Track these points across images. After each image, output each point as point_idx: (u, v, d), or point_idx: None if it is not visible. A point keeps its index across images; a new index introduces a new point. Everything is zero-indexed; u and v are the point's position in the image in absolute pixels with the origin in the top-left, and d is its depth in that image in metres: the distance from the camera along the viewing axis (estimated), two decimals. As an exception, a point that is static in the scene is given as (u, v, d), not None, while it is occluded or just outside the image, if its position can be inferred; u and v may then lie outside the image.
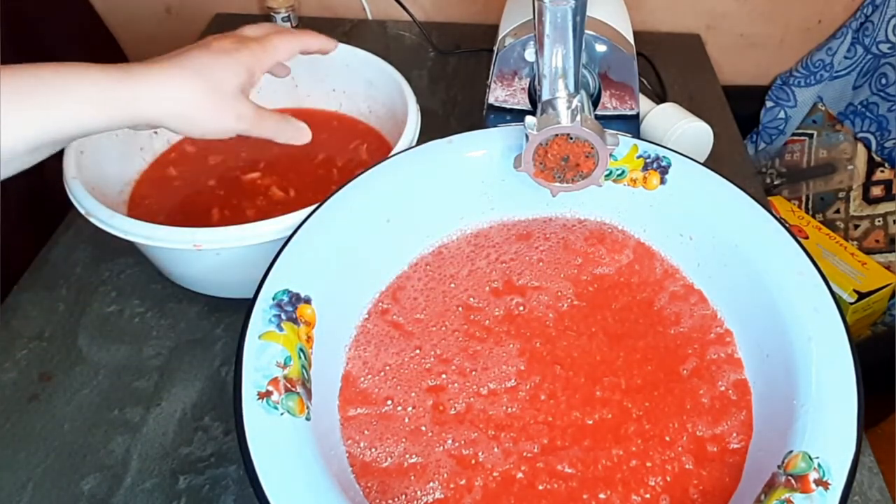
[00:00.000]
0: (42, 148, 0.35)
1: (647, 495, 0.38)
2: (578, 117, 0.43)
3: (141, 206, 0.58)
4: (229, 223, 0.46)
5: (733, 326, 0.45)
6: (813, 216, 0.93)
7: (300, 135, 0.46)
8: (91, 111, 0.35)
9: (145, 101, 0.37)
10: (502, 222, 0.52)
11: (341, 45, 0.66)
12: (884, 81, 0.88)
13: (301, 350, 0.38)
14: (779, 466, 0.34)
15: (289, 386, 0.36)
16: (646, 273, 0.49)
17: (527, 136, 0.43)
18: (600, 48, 0.56)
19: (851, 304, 0.82)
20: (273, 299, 0.39)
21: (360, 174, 0.47)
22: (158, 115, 0.38)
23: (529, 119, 0.43)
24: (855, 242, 0.91)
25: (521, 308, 0.47)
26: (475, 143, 0.50)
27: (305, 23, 0.91)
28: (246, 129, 0.42)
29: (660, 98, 0.77)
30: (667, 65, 0.85)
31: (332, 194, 0.46)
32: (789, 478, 0.33)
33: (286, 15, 0.87)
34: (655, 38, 0.91)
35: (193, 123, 0.39)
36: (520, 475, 0.39)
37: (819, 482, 0.32)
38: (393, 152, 0.51)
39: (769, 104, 0.96)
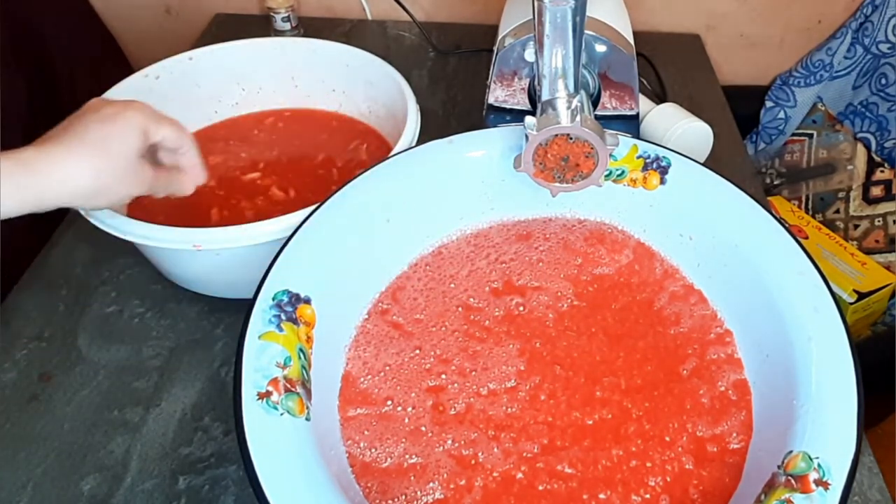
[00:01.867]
0: None
1: (647, 495, 0.38)
2: (578, 117, 0.43)
3: (141, 206, 0.58)
4: (229, 223, 0.46)
5: (733, 326, 0.45)
6: (813, 216, 0.93)
7: (181, 185, 0.46)
8: (4, 199, 0.36)
9: (54, 187, 0.38)
10: (502, 222, 0.52)
11: (341, 45, 0.66)
12: (884, 81, 0.88)
13: (301, 350, 0.38)
14: (779, 466, 0.34)
15: (289, 386, 0.36)
16: (646, 273, 0.49)
17: (527, 136, 0.43)
18: (600, 48, 0.56)
19: (851, 304, 0.82)
20: (273, 299, 0.39)
21: (360, 174, 0.47)
22: (68, 197, 0.38)
23: (529, 119, 0.43)
24: (855, 242, 0.91)
25: (521, 308, 0.47)
26: (475, 143, 0.50)
27: (305, 23, 0.92)
28: (146, 191, 0.43)
29: (660, 98, 0.77)
30: (667, 65, 0.85)
31: (332, 194, 0.46)
32: (789, 478, 0.33)
33: (286, 15, 0.87)
34: (655, 38, 0.91)
35: (100, 196, 0.40)
36: (520, 475, 0.39)
37: (819, 482, 0.32)
38: (393, 152, 0.51)
39: (769, 104, 0.96)
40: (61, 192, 0.38)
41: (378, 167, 0.48)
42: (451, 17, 0.95)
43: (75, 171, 0.38)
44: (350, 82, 0.67)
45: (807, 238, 0.89)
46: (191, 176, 0.47)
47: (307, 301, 0.40)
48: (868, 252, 0.89)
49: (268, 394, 0.35)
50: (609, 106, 0.60)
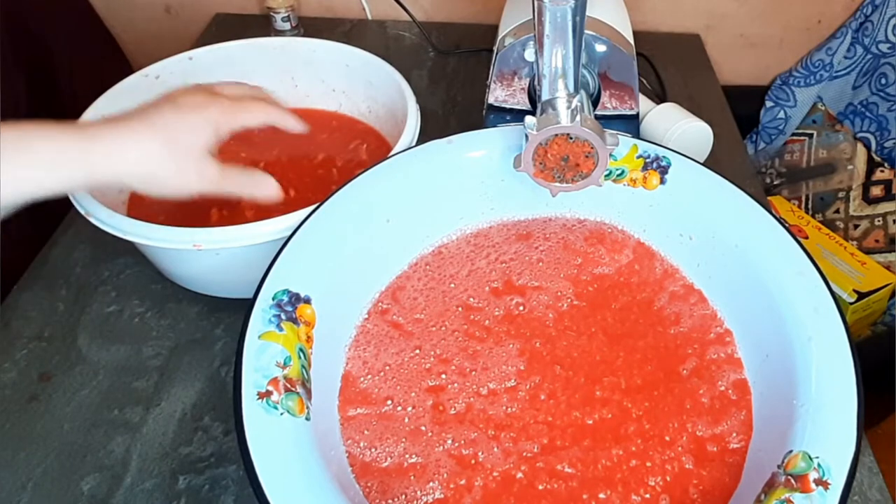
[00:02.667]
0: None
1: (647, 495, 0.38)
2: (578, 117, 0.43)
3: (141, 206, 0.58)
4: (228, 223, 0.46)
5: (733, 326, 0.45)
6: (813, 216, 0.93)
7: (265, 188, 0.45)
8: (46, 173, 0.35)
9: (105, 160, 0.36)
10: (502, 222, 0.52)
11: (341, 45, 0.66)
12: (883, 81, 0.88)
13: (301, 350, 0.38)
14: (779, 466, 0.34)
15: (289, 386, 0.36)
16: (646, 273, 0.49)
17: (527, 136, 0.43)
18: (600, 48, 0.56)
19: (851, 304, 0.82)
20: (273, 299, 0.39)
21: (360, 174, 0.47)
22: (118, 174, 0.37)
23: (529, 119, 0.43)
24: (855, 242, 0.91)
25: (521, 308, 0.47)
26: (475, 143, 0.50)
27: (305, 23, 0.91)
28: (208, 188, 0.41)
29: (660, 98, 0.77)
30: (667, 65, 0.85)
31: (332, 194, 0.46)
32: (789, 477, 0.33)
33: (286, 15, 0.87)
34: (655, 38, 0.91)
35: (154, 183, 0.39)
36: (520, 475, 0.39)
37: (819, 482, 0.32)
38: (393, 152, 0.51)
39: (769, 104, 0.96)
40: (115, 168, 0.37)
41: (378, 167, 0.48)
42: (451, 17, 0.95)
43: (134, 149, 0.38)
44: (350, 82, 0.67)
45: (807, 238, 0.89)
46: (266, 183, 0.45)
47: (307, 301, 0.40)
48: (868, 252, 0.89)
49: (268, 394, 0.35)
50: (609, 106, 0.60)
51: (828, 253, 0.87)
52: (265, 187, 0.45)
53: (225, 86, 0.46)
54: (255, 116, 0.43)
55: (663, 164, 0.49)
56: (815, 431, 0.35)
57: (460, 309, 0.47)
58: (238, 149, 0.65)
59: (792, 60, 0.95)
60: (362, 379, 0.43)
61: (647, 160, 0.49)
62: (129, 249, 0.57)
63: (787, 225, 0.44)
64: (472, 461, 0.39)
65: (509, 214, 0.52)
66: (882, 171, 0.92)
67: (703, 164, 0.49)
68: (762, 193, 0.74)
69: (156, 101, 0.41)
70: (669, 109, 0.66)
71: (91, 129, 0.37)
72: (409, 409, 0.42)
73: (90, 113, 0.56)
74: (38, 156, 0.35)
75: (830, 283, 0.41)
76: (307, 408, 0.36)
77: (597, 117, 0.57)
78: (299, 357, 0.37)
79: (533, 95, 0.60)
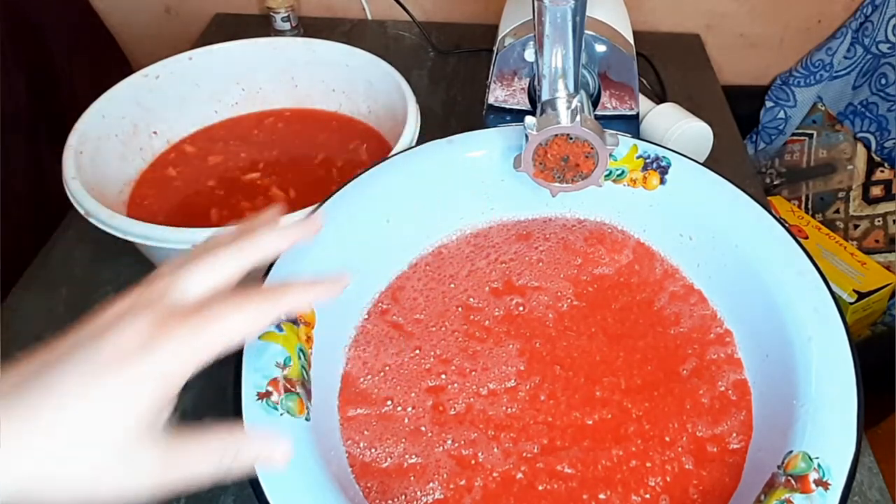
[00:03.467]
0: None
1: (647, 495, 0.38)
2: (578, 117, 0.43)
3: (141, 206, 0.58)
4: (229, 223, 0.46)
5: (733, 326, 0.45)
6: (813, 216, 0.93)
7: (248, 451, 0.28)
8: None
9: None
10: (502, 222, 0.52)
11: (341, 45, 0.66)
12: (883, 81, 0.88)
13: (301, 350, 0.38)
14: (779, 466, 0.34)
15: (288, 386, 0.36)
16: (646, 273, 0.49)
17: (527, 136, 0.43)
18: (600, 48, 0.56)
19: (851, 304, 0.82)
20: (273, 299, 0.39)
21: (359, 174, 0.47)
22: (9, 495, 0.23)
23: (529, 119, 0.43)
24: (855, 242, 0.91)
25: (521, 308, 0.47)
26: (475, 143, 0.50)
27: (306, 23, 0.91)
28: (156, 484, 0.25)
29: (660, 98, 0.77)
30: (667, 65, 0.85)
31: (332, 194, 0.46)
32: (789, 478, 0.33)
33: (286, 15, 0.87)
34: (655, 38, 0.91)
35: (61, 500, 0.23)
36: (520, 475, 0.39)
37: (819, 482, 0.32)
38: (393, 152, 0.51)
39: (769, 104, 0.96)
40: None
41: (378, 167, 0.48)
42: (451, 17, 0.95)
43: (15, 459, 0.23)
44: (350, 82, 0.67)
45: (807, 238, 0.89)
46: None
47: (307, 301, 0.40)
48: (868, 252, 0.89)
49: (268, 394, 0.35)
50: (609, 106, 0.60)
51: (828, 253, 0.87)
52: (248, 451, 0.28)
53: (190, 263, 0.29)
54: (242, 325, 0.27)
55: (663, 164, 0.49)
56: (815, 431, 0.35)
57: (460, 309, 0.47)
58: (238, 149, 0.65)
59: (792, 60, 0.95)
60: (362, 379, 0.43)
61: (647, 160, 0.49)
62: (129, 249, 0.57)
63: (787, 225, 0.44)
64: (472, 461, 0.39)
65: (509, 214, 0.52)
66: (882, 171, 0.92)
67: (703, 164, 0.49)
68: (762, 193, 0.74)
69: (64, 346, 0.26)
70: (669, 109, 0.66)
71: None
72: (409, 409, 0.41)
73: (90, 113, 0.56)
74: None
75: (830, 283, 0.40)
76: (307, 408, 0.36)
77: (597, 117, 0.57)
78: (299, 357, 0.37)
79: (533, 95, 0.60)
